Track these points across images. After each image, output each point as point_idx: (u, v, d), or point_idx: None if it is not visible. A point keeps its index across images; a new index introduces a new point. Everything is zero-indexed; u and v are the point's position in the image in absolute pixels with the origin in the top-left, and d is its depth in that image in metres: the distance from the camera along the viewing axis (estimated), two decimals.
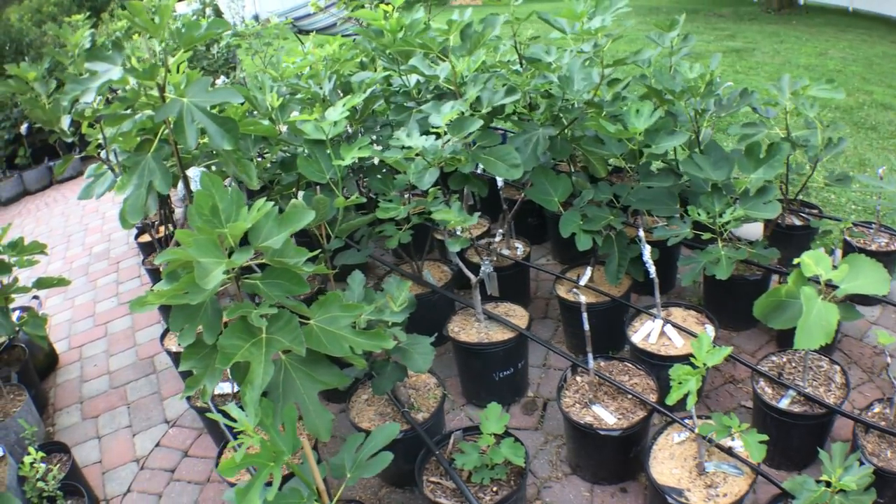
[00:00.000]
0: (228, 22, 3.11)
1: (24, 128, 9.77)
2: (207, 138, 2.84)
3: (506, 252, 4.43)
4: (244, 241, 2.35)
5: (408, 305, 2.94)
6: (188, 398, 3.72)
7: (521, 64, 4.23)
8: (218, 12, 11.76)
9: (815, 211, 4.60)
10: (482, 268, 3.66)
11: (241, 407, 2.17)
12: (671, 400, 2.51)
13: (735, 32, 13.55)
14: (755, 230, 4.45)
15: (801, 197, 4.51)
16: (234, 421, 2.08)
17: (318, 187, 3.36)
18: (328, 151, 3.29)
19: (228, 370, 2.36)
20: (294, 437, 2.12)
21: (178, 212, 5.86)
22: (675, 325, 3.55)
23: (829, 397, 3.04)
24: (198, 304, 2.43)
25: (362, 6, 6.91)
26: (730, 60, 11.09)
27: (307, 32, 9.85)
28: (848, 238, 4.27)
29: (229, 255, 2.26)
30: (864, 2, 15.42)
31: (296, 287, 2.39)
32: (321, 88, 3.94)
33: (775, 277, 4.03)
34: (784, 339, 3.92)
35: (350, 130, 4.04)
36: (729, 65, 10.82)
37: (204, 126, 2.78)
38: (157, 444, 4.11)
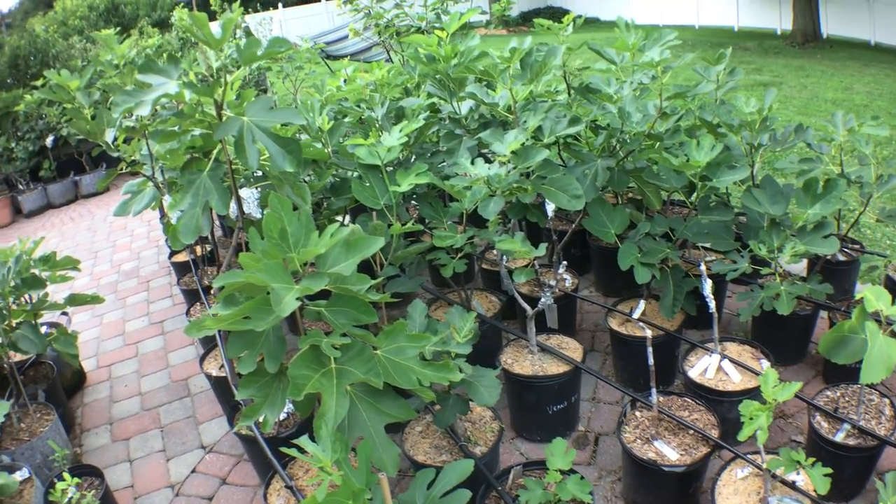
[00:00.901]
0: (289, 42, 3.05)
1: (49, 140, 9.80)
2: (269, 159, 2.78)
3: (552, 283, 4.36)
4: (306, 264, 2.29)
5: (472, 337, 2.86)
6: (231, 424, 3.63)
7: (569, 93, 4.19)
8: (249, 33, 11.82)
9: (856, 247, 4.60)
10: (542, 299, 3.58)
11: (311, 438, 2.09)
12: (743, 436, 2.47)
13: (761, 66, 13.55)
14: (798, 266, 4.41)
15: (854, 234, 4.48)
16: (304, 453, 2.00)
17: (373, 213, 3.30)
18: (382, 177, 3.24)
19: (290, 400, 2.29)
20: (369, 473, 2.03)
21: (217, 231, 5.82)
22: (732, 360, 3.49)
23: (880, 429, 3.04)
24: (260, 332, 2.36)
25: (398, 32, 6.93)
26: (758, 94, 10.99)
27: (335, 58, 9.90)
28: (891, 274, 4.22)
29: (295, 281, 2.19)
30: (886, 36, 15.46)
31: (363, 315, 2.33)
32: (374, 112, 3.89)
33: (823, 313, 3.97)
34: (830, 374, 3.88)
35: (401, 157, 3.99)
36: (758, 98, 10.78)
37: (265, 146, 2.72)
38: (194, 471, 4.00)
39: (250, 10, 16.60)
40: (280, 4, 25.40)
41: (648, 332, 3.01)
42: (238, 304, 2.26)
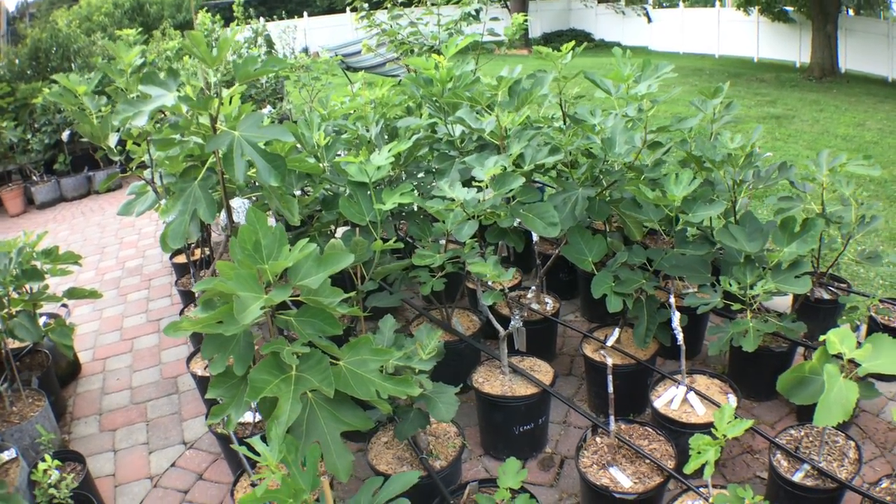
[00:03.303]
0: (285, 60, 3.18)
1: (65, 134, 9.96)
2: (255, 172, 2.90)
3: (535, 306, 4.46)
4: (281, 276, 2.40)
5: (436, 354, 2.97)
6: (209, 424, 3.76)
7: (564, 121, 4.28)
8: (270, 42, 11.99)
9: (843, 285, 4.61)
10: (512, 322, 3.69)
11: (264, 440, 2.20)
12: (689, 469, 2.52)
13: (776, 99, 13.61)
14: (784, 301, 4.45)
15: (831, 271, 4.52)
16: (258, 454, 2.12)
17: (357, 229, 3.42)
18: (370, 194, 3.35)
19: (254, 402, 2.40)
20: (315, 476, 2.14)
21: (215, 236, 5.95)
22: (698, 393, 3.55)
23: (841, 472, 3.05)
24: (231, 335, 2.48)
25: (412, 50, 7.05)
26: (769, 127, 11.13)
27: (355, 70, 10.03)
28: (874, 314, 4.26)
29: (267, 291, 2.31)
30: None
31: (329, 327, 2.43)
32: (368, 131, 4.01)
33: (800, 350, 4.02)
34: (804, 412, 3.91)
35: (393, 174, 4.10)
36: (768, 131, 10.86)
37: (252, 160, 2.85)
38: (173, 464, 4.14)
39: (274, 17, 16.81)
40: (305, 13, 25.65)
41: (610, 361, 3.09)
42: (215, 309, 2.38)
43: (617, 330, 4.05)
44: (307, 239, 2.42)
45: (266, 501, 1.98)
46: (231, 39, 2.89)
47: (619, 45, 25.26)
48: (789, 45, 19.04)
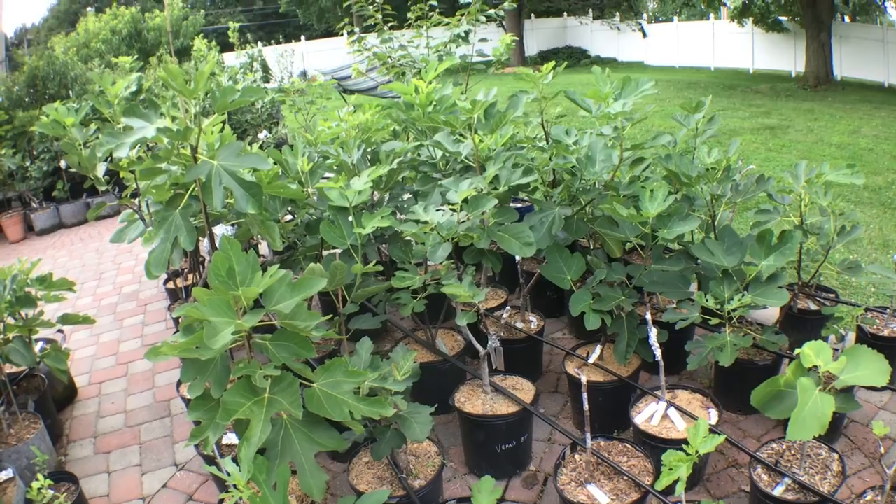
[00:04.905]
0: (262, 90, 3.26)
1: (64, 162, 10.04)
2: (234, 200, 2.97)
3: (520, 325, 4.50)
4: (260, 303, 2.46)
5: (411, 375, 3.03)
6: (196, 446, 3.81)
7: (546, 141, 4.34)
8: (265, 67, 12.09)
9: (831, 295, 4.62)
10: (489, 342, 3.74)
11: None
12: (660, 485, 2.54)
13: (771, 109, 13.66)
14: (771, 314, 4.47)
15: (819, 281, 4.53)
16: (229, 475, 2.17)
17: (337, 252, 3.48)
18: (350, 218, 3.42)
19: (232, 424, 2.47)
20: (285, 496, 2.20)
21: (207, 262, 6.02)
22: (678, 409, 3.59)
23: (823, 485, 3.04)
24: (208, 360, 2.54)
25: (403, 73, 7.13)
26: (763, 138, 11.18)
27: (351, 92, 10.12)
28: (860, 324, 4.28)
29: (243, 315, 2.37)
30: None
31: (303, 350, 2.50)
32: (349, 157, 4.08)
33: (785, 363, 4.04)
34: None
35: (376, 197, 4.16)
36: (762, 142, 10.90)
37: (231, 188, 2.91)
38: (164, 485, 4.19)
39: (272, 41, 16.94)
40: (303, 37, 25.82)
41: (584, 378, 3.13)
42: (194, 334, 2.45)
43: (599, 347, 4.09)
44: (278, 266, 2.48)
45: None
46: (206, 73, 2.97)
47: (615, 60, 25.43)
48: (784, 55, 19.13)
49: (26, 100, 11.14)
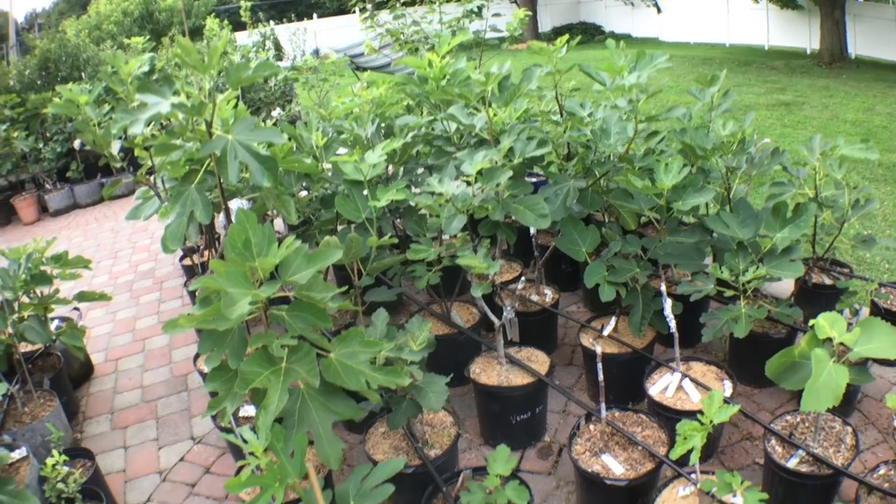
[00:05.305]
0: (276, 66, 3.25)
1: (77, 143, 10.07)
2: (249, 174, 2.98)
3: (535, 298, 4.51)
4: (277, 274, 2.48)
5: (427, 345, 3.04)
6: (213, 418, 3.85)
7: (560, 114, 4.32)
8: (278, 45, 12.06)
9: (846, 270, 4.60)
10: (504, 313, 3.75)
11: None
12: (675, 454, 2.55)
13: (786, 85, 13.55)
14: (786, 287, 4.47)
15: (833, 256, 4.52)
16: (246, 442, 2.20)
17: (353, 226, 3.49)
18: (365, 192, 3.42)
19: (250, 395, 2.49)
20: (302, 464, 2.22)
21: (223, 238, 6.04)
22: (692, 380, 3.59)
23: (837, 458, 3.04)
24: (225, 331, 2.55)
25: (416, 49, 7.11)
26: (778, 114, 11.11)
27: (364, 69, 10.09)
28: (875, 299, 4.27)
29: (259, 287, 2.38)
30: None
31: (319, 321, 2.51)
32: (364, 131, 4.08)
33: (800, 336, 4.03)
34: None
35: (390, 171, 4.16)
36: (777, 118, 10.83)
37: (246, 163, 2.92)
38: (182, 459, 4.25)
39: (285, 20, 16.89)
40: (315, 15, 25.73)
41: (599, 348, 3.14)
42: (211, 306, 2.47)
43: (614, 319, 4.10)
44: (294, 236, 2.49)
45: (251, 485, 2.06)
46: (220, 48, 2.97)
47: (629, 36, 25.21)
48: (799, 32, 18.94)
49: (38, 83, 11.17)
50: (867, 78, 14.24)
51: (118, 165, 4.12)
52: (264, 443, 2.18)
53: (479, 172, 3.33)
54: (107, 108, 4.21)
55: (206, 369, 4.25)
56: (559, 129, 3.84)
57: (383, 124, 4.34)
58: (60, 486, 3.35)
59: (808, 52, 18.27)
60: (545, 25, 28.05)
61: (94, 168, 10.99)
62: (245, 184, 3.71)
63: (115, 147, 4.08)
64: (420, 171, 4.23)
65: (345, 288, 3.01)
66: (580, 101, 3.95)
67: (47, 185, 10.78)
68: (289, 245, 2.43)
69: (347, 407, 2.53)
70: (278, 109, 10.01)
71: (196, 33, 15.27)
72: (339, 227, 4.06)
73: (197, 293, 4.36)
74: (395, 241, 3.34)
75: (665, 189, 3.49)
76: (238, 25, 14.19)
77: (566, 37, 4.28)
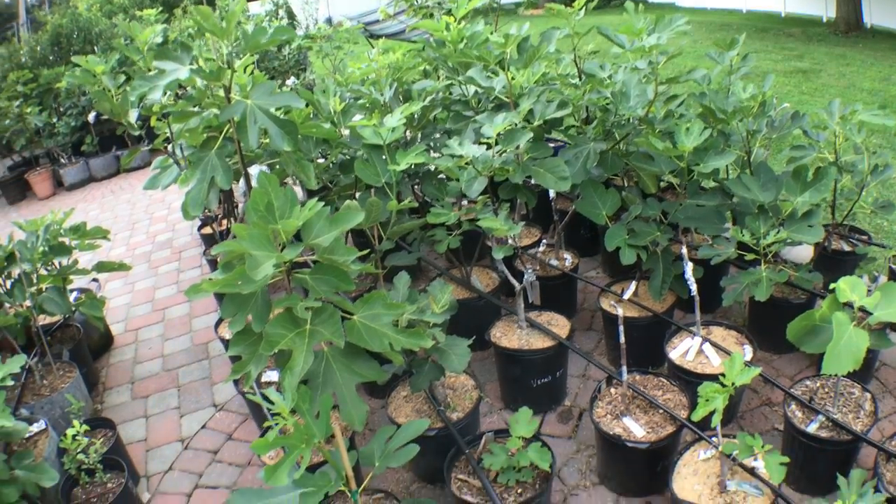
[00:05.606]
0: (293, 31, 3.25)
1: (91, 116, 10.08)
2: (269, 139, 2.98)
3: (554, 262, 4.50)
4: (298, 238, 2.48)
5: (449, 308, 3.05)
6: (236, 383, 3.87)
7: (579, 77, 4.29)
8: (291, 14, 11.99)
9: (864, 237, 4.57)
10: (525, 276, 3.74)
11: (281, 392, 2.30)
12: (697, 416, 2.55)
13: (803, 53, 13.41)
14: (804, 253, 4.44)
15: (851, 223, 4.49)
16: (272, 403, 2.21)
17: (373, 190, 3.48)
18: (384, 156, 3.41)
19: (274, 359, 2.50)
20: (327, 424, 2.23)
21: (241, 206, 6.06)
22: (713, 344, 3.58)
23: (856, 424, 3.03)
24: (249, 294, 2.56)
25: (431, 15, 7.05)
26: (796, 81, 11.01)
27: (378, 37, 10.03)
28: (893, 266, 4.24)
29: (282, 250, 2.38)
30: None
31: (342, 283, 2.51)
32: (382, 95, 4.06)
33: (819, 302, 4.01)
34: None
35: (409, 136, 4.15)
36: (794, 85, 10.75)
37: (266, 127, 2.92)
38: (203, 426, 4.28)
39: None
40: None
41: (620, 311, 3.14)
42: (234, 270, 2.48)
43: (634, 283, 4.09)
44: (317, 199, 2.49)
45: (278, 446, 2.07)
46: (237, 13, 2.95)
47: (645, 1, 24.91)
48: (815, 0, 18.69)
49: (51, 58, 11.16)
50: (883, 48, 14.06)
51: (136, 133, 4.12)
52: (290, 403, 2.19)
53: (499, 135, 3.31)
54: (122, 78, 4.20)
55: (227, 336, 4.32)
56: (578, 92, 3.80)
57: (401, 89, 4.31)
58: (81, 456, 3.37)
59: (825, 20, 18.03)
60: None
61: (108, 141, 11.00)
62: (264, 150, 3.71)
63: (133, 115, 4.08)
64: (437, 135, 4.21)
65: (366, 251, 3.00)
66: (600, 63, 3.92)
67: (62, 160, 10.81)
68: (311, 207, 2.42)
69: (370, 369, 2.54)
70: (292, 78, 9.97)
71: (208, 4, 15.15)
72: (358, 193, 4.05)
73: (219, 259, 4.38)
74: (416, 204, 3.33)
75: (686, 151, 3.46)
76: None
77: (584, 0, 4.24)
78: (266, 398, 2.24)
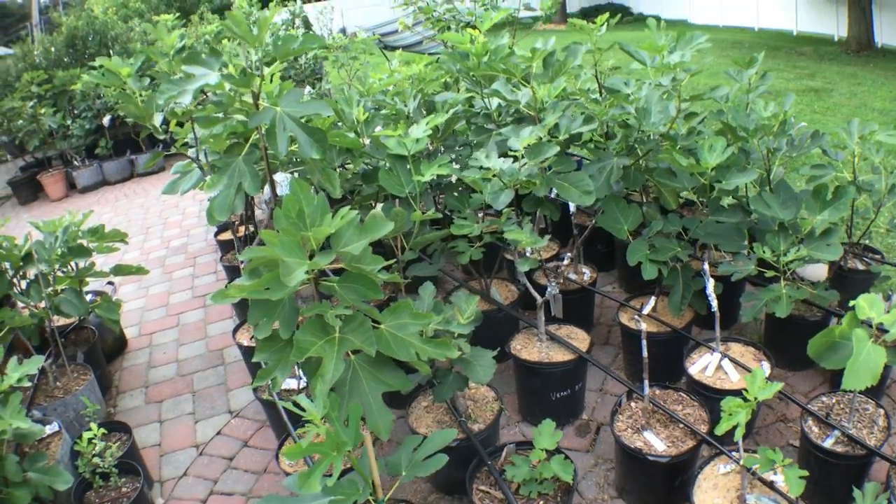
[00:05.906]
0: (322, 38, 3.27)
1: (106, 119, 10.12)
2: (297, 146, 3.00)
3: (573, 276, 4.52)
4: (325, 246, 2.49)
5: (474, 319, 3.06)
6: (255, 391, 3.88)
7: (600, 93, 4.31)
8: (307, 24, 12.04)
9: (877, 256, 4.59)
10: (548, 289, 3.76)
11: (309, 399, 2.31)
12: (720, 430, 2.56)
13: (815, 72, 13.43)
14: (819, 272, 4.45)
15: (865, 242, 4.51)
16: (303, 411, 2.22)
17: (396, 200, 3.50)
18: (409, 167, 3.43)
19: (297, 366, 2.50)
20: (357, 432, 2.25)
21: (259, 213, 6.08)
22: (732, 360, 3.59)
23: (870, 439, 3.08)
24: (276, 301, 2.57)
25: (448, 27, 7.08)
26: (808, 100, 11.03)
27: (393, 48, 10.07)
28: None
29: (310, 258, 2.40)
30: None
31: (371, 292, 2.52)
32: (406, 106, 4.08)
33: (834, 320, 4.03)
34: (837, 382, 3.88)
35: (430, 148, 4.17)
36: (807, 104, 10.77)
37: (294, 135, 2.94)
38: (219, 433, 4.29)
39: None
40: None
41: (643, 325, 3.15)
42: (260, 277, 2.49)
43: (653, 298, 4.11)
44: (347, 208, 2.51)
45: (310, 453, 2.08)
46: (269, 18, 2.98)
47: (658, 18, 24.96)
48: (827, 19, 18.70)
49: (66, 60, 11.20)
50: (894, 67, 14.08)
51: (162, 137, 4.15)
52: (322, 411, 2.20)
53: (526, 148, 3.34)
54: (146, 81, 4.22)
55: (245, 342, 4.34)
56: (601, 108, 3.82)
57: (423, 101, 4.34)
58: (96, 460, 3.37)
59: (836, 38, 18.07)
60: (572, 6, 27.78)
61: (122, 145, 11.04)
62: (288, 157, 3.73)
63: (158, 119, 4.10)
64: (458, 147, 4.24)
65: (392, 261, 3.02)
66: (624, 80, 3.94)
67: (75, 162, 10.85)
68: (343, 216, 2.44)
69: (396, 378, 2.55)
70: (308, 87, 10.00)
71: (222, 12, 15.21)
72: (379, 204, 4.07)
73: (243, 265, 4.40)
74: (439, 215, 3.35)
75: (709, 168, 3.48)
76: (267, 3, 14.18)
77: (606, 15, 4.28)
78: (297, 405, 2.25)
